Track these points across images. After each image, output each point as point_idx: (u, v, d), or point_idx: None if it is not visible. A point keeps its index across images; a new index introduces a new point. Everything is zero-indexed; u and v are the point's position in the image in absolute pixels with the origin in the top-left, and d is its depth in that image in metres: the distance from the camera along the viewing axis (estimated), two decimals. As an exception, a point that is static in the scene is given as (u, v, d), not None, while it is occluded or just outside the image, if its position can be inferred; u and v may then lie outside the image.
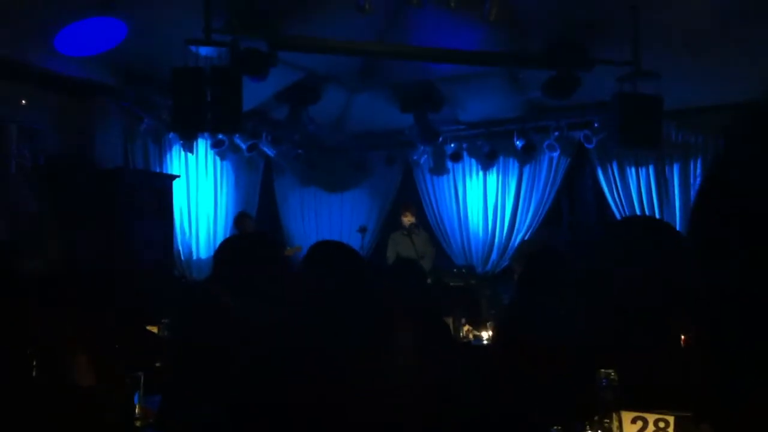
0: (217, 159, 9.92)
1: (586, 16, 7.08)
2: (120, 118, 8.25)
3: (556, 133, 9.74)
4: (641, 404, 2.06)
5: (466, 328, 6.68)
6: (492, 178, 10.73)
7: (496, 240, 10.63)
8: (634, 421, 2.07)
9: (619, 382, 2.00)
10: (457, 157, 10.59)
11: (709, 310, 0.74)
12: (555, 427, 2.26)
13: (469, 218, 10.86)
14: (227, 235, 9.29)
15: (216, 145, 9.55)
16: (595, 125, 9.31)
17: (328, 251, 2.80)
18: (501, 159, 10.58)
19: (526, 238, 10.23)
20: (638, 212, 9.58)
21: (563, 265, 4.02)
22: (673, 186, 9.48)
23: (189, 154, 9.44)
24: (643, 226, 2.30)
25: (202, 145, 9.59)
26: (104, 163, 7.98)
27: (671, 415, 2.02)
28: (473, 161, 10.80)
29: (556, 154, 10.02)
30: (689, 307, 0.79)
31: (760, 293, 0.66)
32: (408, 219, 9.15)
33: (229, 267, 2.91)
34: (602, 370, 2.02)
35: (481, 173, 10.80)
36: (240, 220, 9.35)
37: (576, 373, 2.19)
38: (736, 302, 0.72)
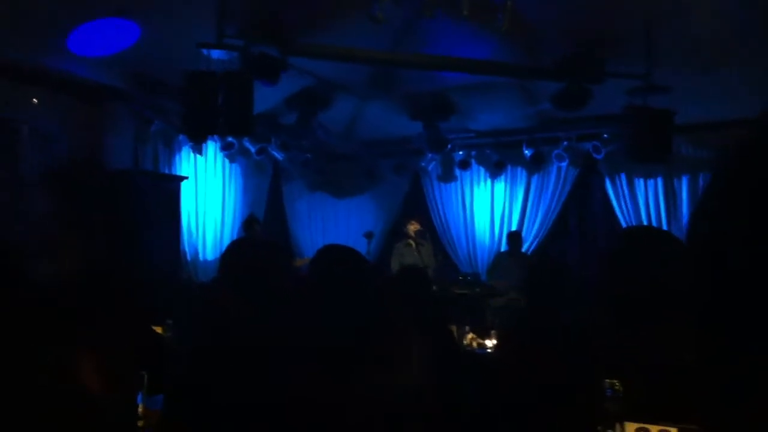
0: (226, 162, 9.95)
1: (598, 29, 7.08)
2: (131, 121, 8.28)
3: (565, 143, 9.75)
4: (646, 415, 2.06)
5: (470, 336, 6.67)
6: (500, 186, 10.74)
7: (503, 249, 10.61)
8: (637, 432, 2.07)
9: (624, 392, 2.01)
10: (465, 165, 10.60)
11: (713, 318, 0.74)
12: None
13: (476, 226, 10.87)
14: (233, 238, 9.31)
15: (225, 148, 9.58)
16: (605, 136, 9.31)
17: (334, 255, 2.81)
18: (509, 168, 10.60)
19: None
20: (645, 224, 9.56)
21: (567, 276, 4.02)
22: (682, 199, 9.47)
23: (198, 156, 9.48)
24: (646, 235, 2.30)
25: (211, 147, 9.62)
26: (114, 165, 8.01)
27: (675, 427, 2.02)
28: (482, 169, 10.81)
29: (564, 164, 10.02)
30: (693, 316, 0.80)
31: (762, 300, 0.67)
32: (413, 228, 9.12)
33: (235, 270, 2.91)
34: (607, 381, 2.02)
35: (489, 181, 10.82)
36: (249, 224, 9.35)
37: (580, 383, 2.19)
38: (738, 310, 0.72)
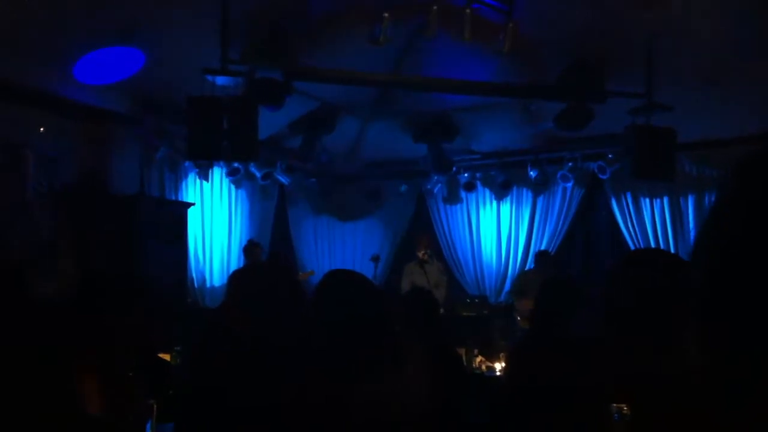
0: (232, 187, 9.97)
1: (600, 48, 7.10)
2: (136, 146, 8.30)
3: (570, 164, 9.76)
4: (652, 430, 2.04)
5: (478, 359, 6.64)
6: (506, 208, 10.72)
7: (510, 270, 10.59)
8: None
9: (632, 414, 1.99)
10: (470, 187, 10.60)
11: (723, 340, 0.75)
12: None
13: (483, 248, 10.84)
14: (241, 263, 9.31)
15: (231, 174, 9.61)
16: (610, 156, 9.32)
17: (341, 280, 2.81)
18: (515, 189, 10.59)
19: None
20: (652, 244, 9.54)
21: (577, 297, 4.01)
22: (688, 218, 9.43)
23: (204, 182, 9.50)
24: (641, 255, 2.31)
25: (217, 173, 9.65)
26: (120, 191, 8.04)
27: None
28: (487, 191, 10.80)
29: (570, 185, 10.02)
30: (704, 339, 0.80)
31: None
32: (420, 249, 9.13)
33: (243, 294, 2.91)
34: (614, 405, 2.01)
35: (494, 203, 10.80)
36: (250, 249, 9.32)
37: (589, 408, 2.18)
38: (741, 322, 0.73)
